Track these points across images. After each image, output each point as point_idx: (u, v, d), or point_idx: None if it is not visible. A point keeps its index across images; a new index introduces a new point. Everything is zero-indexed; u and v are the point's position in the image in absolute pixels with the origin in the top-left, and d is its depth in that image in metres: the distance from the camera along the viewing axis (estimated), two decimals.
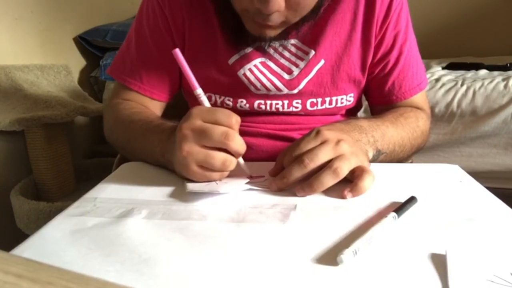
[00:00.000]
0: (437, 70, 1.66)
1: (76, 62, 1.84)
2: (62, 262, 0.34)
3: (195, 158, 0.47)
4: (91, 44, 1.82)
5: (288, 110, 0.71)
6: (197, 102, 0.53)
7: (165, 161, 0.55)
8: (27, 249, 0.37)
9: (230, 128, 0.47)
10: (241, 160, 0.52)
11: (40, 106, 1.32)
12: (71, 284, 0.19)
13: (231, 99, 0.71)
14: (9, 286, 0.17)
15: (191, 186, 0.48)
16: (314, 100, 0.70)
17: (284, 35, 0.64)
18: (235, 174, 0.52)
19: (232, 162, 0.48)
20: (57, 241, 0.38)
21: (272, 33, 0.62)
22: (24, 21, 1.51)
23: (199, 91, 0.52)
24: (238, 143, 0.47)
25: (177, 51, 0.51)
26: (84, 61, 1.89)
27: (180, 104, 0.88)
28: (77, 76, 1.83)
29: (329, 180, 0.47)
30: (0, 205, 1.31)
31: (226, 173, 0.50)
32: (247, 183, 0.51)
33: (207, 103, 0.53)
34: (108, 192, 0.50)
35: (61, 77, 1.60)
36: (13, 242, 0.38)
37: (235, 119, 0.48)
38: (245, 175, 0.52)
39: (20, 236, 0.39)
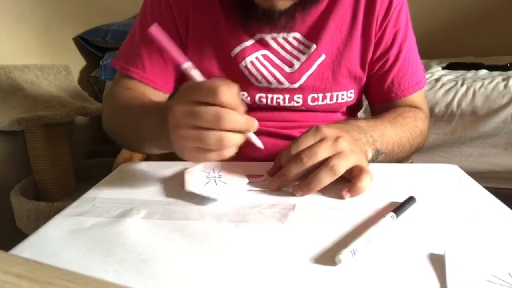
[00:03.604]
0: (437, 70, 1.66)
1: (76, 62, 1.84)
2: (61, 262, 0.34)
3: (189, 140, 0.43)
4: (91, 44, 1.82)
5: (289, 104, 0.71)
6: None
7: (163, 142, 0.51)
8: (26, 249, 0.37)
9: (221, 107, 0.41)
10: (251, 134, 0.47)
11: (40, 106, 1.32)
12: (71, 284, 0.19)
13: None
14: (9, 286, 0.17)
15: (189, 187, 0.48)
16: (315, 95, 0.71)
17: (292, 11, 0.64)
18: (234, 171, 0.52)
19: (230, 139, 0.43)
20: (56, 241, 0.38)
21: (281, 4, 0.61)
22: (24, 21, 1.51)
23: (186, 64, 0.46)
24: (233, 121, 0.42)
25: (154, 28, 0.45)
26: (84, 61, 1.89)
27: None
28: (77, 76, 1.83)
29: (326, 178, 0.46)
30: (0, 205, 1.31)
31: (226, 153, 0.45)
32: (247, 184, 0.51)
33: (198, 76, 0.47)
34: (107, 192, 0.50)
35: (61, 77, 1.60)
36: (13, 242, 0.38)
37: (223, 93, 0.41)
38: (257, 178, 0.51)
39: (20, 236, 0.39)
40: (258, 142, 0.49)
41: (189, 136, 0.43)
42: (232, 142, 0.43)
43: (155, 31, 0.45)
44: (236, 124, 0.42)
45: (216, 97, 0.41)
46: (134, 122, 0.60)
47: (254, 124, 0.44)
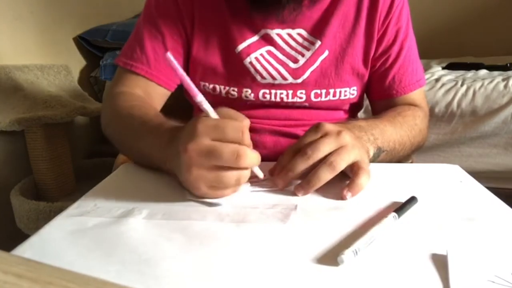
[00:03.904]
0: (437, 70, 1.66)
1: (76, 62, 1.84)
2: (62, 262, 0.34)
3: (205, 180, 0.43)
4: (91, 44, 1.82)
5: (293, 100, 0.72)
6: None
7: (166, 169, 0.52)
8: (27, 249, 0.36)
9: (240, 144, 0.42)
10: (256, 167, 0.49)
11: (40, 106, 1.31)
12: (72, 284, 0.19)
13: (236, 89, 0.71)
14: (9, 286, 0.17)
15: (191, 196, 0.47)
16: (318, 91, 0.71)
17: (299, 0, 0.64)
18: None
19: (245, 177, 0.45)
20: (57, 241, 0.38)
21: None
22: (24, 21, 1.51)
23: (199, 98, 0.45)
24: (251, 160, 0.43)
25: (169, 55, 0.43)
26: (84, 61, 1.89)
27: (180, 105, 0.88)
28: (77, 76, 1.83)
29: (326, 175, 0.46)
30: (0, 205, 1.31)
31: (239, 187, 0.47)
32: (250, 186, 0.50)
33: (211, 112, 0.45)
34: (108, 192, 0.50)
35: (61, 77, 1.59)
36: (13, 242, 0.38)
37: (245, 132, 0.43)
38: (257, 178, 0.50)
39: (20, 236, 0.39)
40: (260, 173, 0.50)
41: (207, 177, 0.43)
42: (247, 178, 0.45)
43: (171, 57, 0.43)
44: (253, 161, 0.44)
45: (242, 137, 0.43)
46: (134, 138, 0.58)
47: (260, 158, 0.45)
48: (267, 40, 0.70)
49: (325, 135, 0.49)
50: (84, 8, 1.88)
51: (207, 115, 0.45)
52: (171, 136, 0.50)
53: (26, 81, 1.40)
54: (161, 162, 0.52)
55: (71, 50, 1.82)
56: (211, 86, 0.72)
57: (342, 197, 0.46)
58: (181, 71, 0.44)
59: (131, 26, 0.77)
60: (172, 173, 0.50)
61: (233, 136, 0.43)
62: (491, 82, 1.39)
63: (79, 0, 1.85)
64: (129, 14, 2.01)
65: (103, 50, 1.81)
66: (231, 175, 0.43)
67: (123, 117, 0.63)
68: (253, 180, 0.52)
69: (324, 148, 0.47)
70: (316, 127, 0.50)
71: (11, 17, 1.45)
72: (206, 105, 0.45)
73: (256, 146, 0.69)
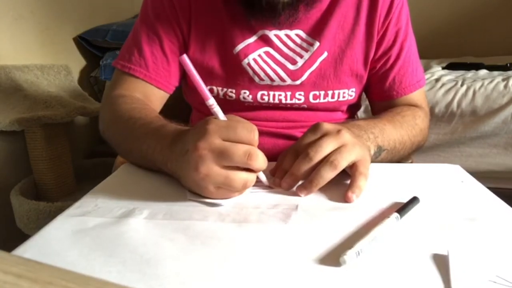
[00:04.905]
0: (437, 70, 1.66)
1: (76, 62, 1.84)
2: (64, 262, 0.34)
3: (214, 180, 0.43)
4: (91, 44, 1.82)
5: (291, 102, 0.71)
6: (203, 100, 0.48)
7: (168, 170, 0.51)
8: (28, 249, 0.36)
9: (251, 145, 0.43)
10: (261, 173, 0.49)
11: (40, 106, 1.31)
12: (72, 284, 0.19)
13: (234, 91, 0.71)
14: (9, 286, 0.17)
15: (192, 196, 0.47)
16: (317, 92, 0.71)
17: (295, 4, 0.64)
18: None
19: (252, 181, 0.45)
20: (58, 241, 0.38)
21: None
22: (24, 21, 1.51)
23: (211, 101, 0.46)
24: (261, 162, 0.43)
25: (185, 57, 0.45)
26: (84, 61, 1.89)
27: (179, 105, 0.88)
28: (77, 76, 1.83)
29: (327, 173, 0.46)
30: (0, 205, 1.31)
31: (244, 191, 0.47)
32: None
33: (221, 115, 0.46)
34: (109, 192, 0.50)
35: (61, 77, 1.59)
36: (13, 242, 0.38)
37: (256, 134, 0.44)
38: (263, 185, 0.50)
39: (20, 236, 0.39)
40: (264, 179, 0.50)
41: (215, 177, 0.43)
42: (253, 183, 0.45)
43: (186, 59, 0.45)
44: (263, 163, 0.44)
45: (253, 136, 0.43)
46: (134, 140, 0.57)
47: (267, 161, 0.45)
48: (265, 40, 0.69)
49: (325, 134, 0.49)
50: (84, 8, 1.88)
51: (217, 118, 0.45)
52: (174, 137, 0.50)
53: (26, 81, 1.40)
54: (162, 163, 0.51)
55: (71, 50, 1.82)
56: (208, 87, 0.71)
57: (347, 200, 0.46)
58: (196, 74, 0.45)
59: (131, 26, 0.77)
60: (174, 175, 0.50)
61: (245, 136, 0.43)
62: (491, 82, 1.39)
63: (79, 0, 1.85)
64: (129, 14, 2.01)
65: (103, 50, 1.81)
66: (240, 177, 0.43)
67: (124, 120, 0.62)
68: (256, 183, 0.51)
69: (326, 147, 0.47)
70: (314, 127, 0.50)
71: (12, 17, 1.45)
72: (217, 108, 0.46)
73: None
